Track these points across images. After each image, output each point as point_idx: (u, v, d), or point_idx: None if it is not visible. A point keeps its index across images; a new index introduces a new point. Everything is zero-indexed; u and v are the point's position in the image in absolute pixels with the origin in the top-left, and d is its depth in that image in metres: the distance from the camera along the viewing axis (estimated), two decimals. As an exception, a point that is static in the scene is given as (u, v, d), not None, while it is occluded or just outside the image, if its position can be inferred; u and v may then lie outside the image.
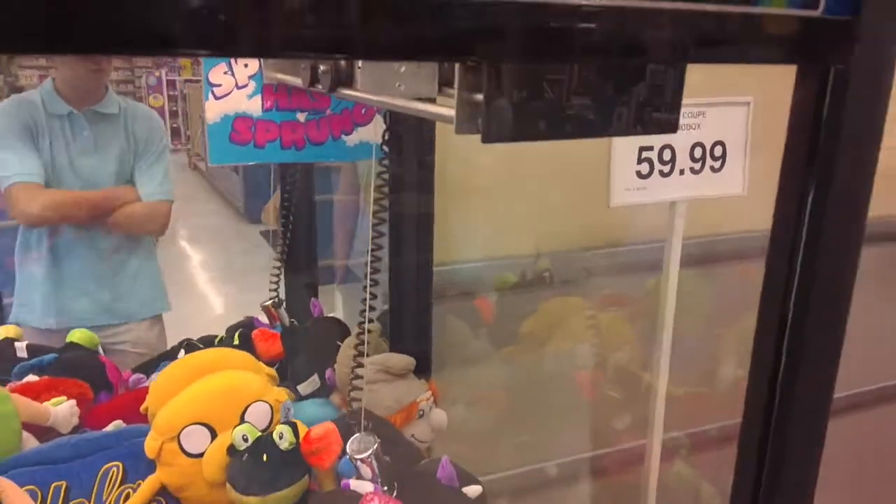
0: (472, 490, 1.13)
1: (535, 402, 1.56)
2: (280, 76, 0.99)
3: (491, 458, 1.47)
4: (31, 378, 1.38)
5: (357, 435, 1.09)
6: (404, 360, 1.28)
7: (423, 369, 1.33)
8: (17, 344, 1.64)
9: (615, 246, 1.97)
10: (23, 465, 1.11)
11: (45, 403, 1.29)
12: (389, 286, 1.32)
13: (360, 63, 0.78)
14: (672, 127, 0.61)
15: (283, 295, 1.70)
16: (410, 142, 1.27)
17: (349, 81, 0.81)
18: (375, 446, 1.06)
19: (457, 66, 0.54)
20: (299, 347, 1.49)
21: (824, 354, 0.59)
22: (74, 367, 1.43)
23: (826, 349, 0.59)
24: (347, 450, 1.07)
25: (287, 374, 1.48)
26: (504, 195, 1.76)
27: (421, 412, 1.27)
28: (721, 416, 2.01)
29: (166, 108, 11.35)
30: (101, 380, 1.45)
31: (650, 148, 1.63)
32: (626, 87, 0.57)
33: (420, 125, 1.27)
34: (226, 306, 5.50)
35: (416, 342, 1.33)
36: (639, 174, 1.63)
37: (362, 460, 1.06)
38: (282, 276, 1.72)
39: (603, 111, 0.57)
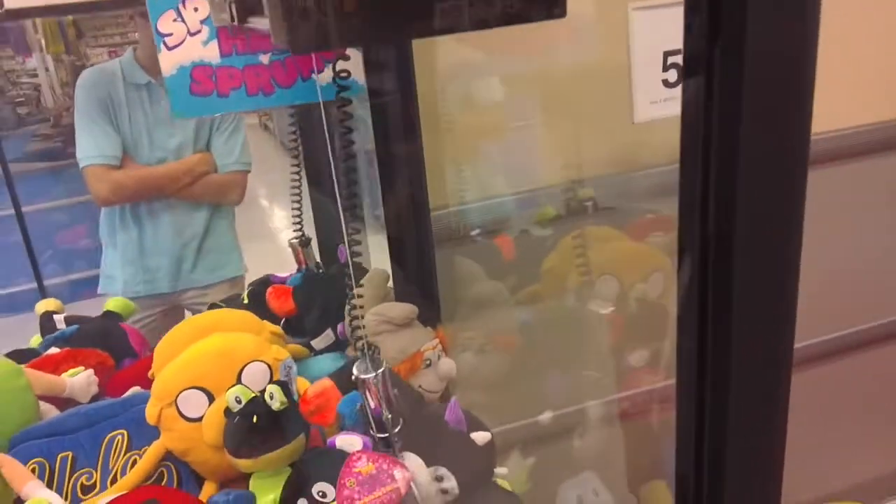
0: (481, 437, 1.07)
1: (554, 344, 1.47)
2: (220, 17, 0.91)
3: (505, 406, 1.40)
4: (53, 350, 1.41)
5: (361, 358, 1.03)
6: (405, 309, 1.21)
7: (430, 317, 1.26)
8: (55, 316, 1.70)
9: (657, 166, 1.80)
10: (35, 437, 1.13)
11: (63, 375, 1.31)
12: (387, 232, 1.24)
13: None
14: (560, 11, 0.49)
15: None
16: (391, 75, 1.17)
17: (259, 9, 0.73)
18: (384, 367, 1.00)
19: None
20: (313, 300, 1.45)
21: (767, 300, 0.47)
22: (95, 337, 1.45)
23: (772, 290, 0.47)
24: (354, 371, 1.01)
25: (304, 328, 1.45)
26: (523, 127, 1.63)
27: (427, 361, 1.20)
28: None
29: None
30: (124, 347, 1.47)
31: (677, 52, 1.46)
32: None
33: (400, 56, 1.17)
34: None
35: (420, 288, 1.26)
36: (665, 83, 1.46)
37: (367, 386, 1.00)
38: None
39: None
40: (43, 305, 1.73)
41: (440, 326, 1.25)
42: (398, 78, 1.16)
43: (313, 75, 1.11)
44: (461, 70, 1.34)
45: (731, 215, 0.49)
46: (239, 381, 1.12)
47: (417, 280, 1.26)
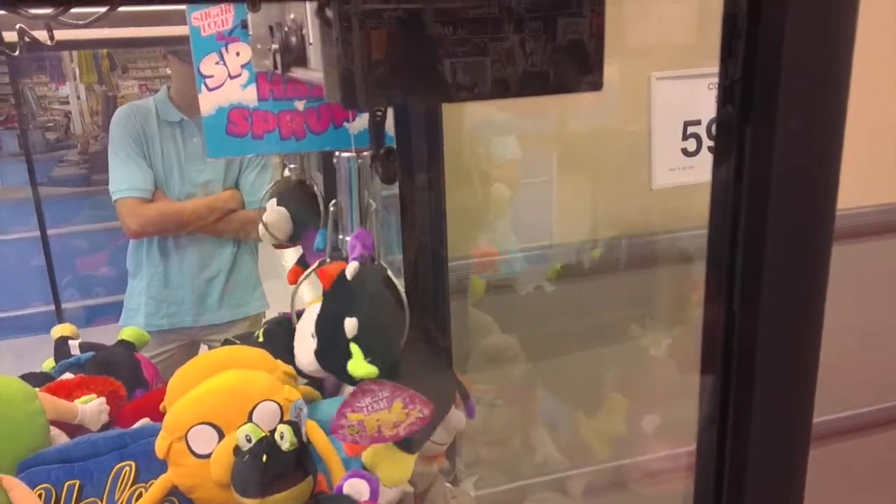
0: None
1: (566, 401, 1.46)
2: (261, 62, 0.95)
3: (513, 462, 1.39)
4: (68, 376, 1.42)
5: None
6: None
7: (442, 367, 1.27)
8: (70, 342, 1.72)
9: (670, 232, 1.82)
10: (43, 463, 1.14)
11: (75, 401, 1.32)
12: (404, 279, 1.26)
13: (311, 39, 0.73)
14: (596, 84, 0.52)
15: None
16: (420, 128, 1.21)
17: (302, 60, 0.76)
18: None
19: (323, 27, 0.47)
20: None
21: (790, 374, 0.48)
22: (109, 365, 1.46)
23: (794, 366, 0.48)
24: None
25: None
26: (541, 184, 1.66)
27: (438, 412, 1.21)
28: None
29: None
30: (136, 378, 1.48)
31: (697, 122, 1.49)
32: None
33: (430, 111, 1.21)
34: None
35: (433, 338, 1.27)
36: (685, 151, 1.49)
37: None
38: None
39: (503, 69, 0.49)
40: (59, 330, 1.76)
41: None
42: (426, 131, 1.20)
43: (345, 123, 1.15)
44: (485, 125, 1.38)
45: (757, 286, 0.51)
46: (250, 419, 1.13)
47: (431, 329, 1.27)
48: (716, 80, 1.48)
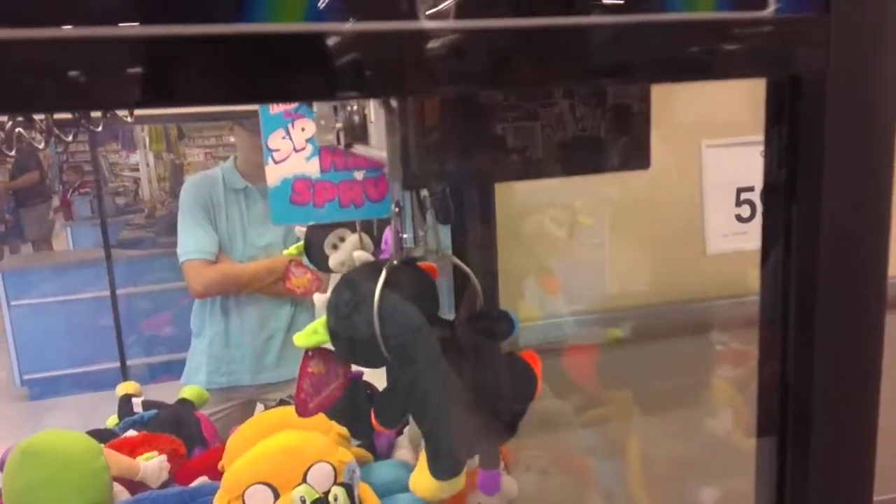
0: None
1: (620, 471, 1.43)
2: (324, 138, 1.01)
3: None
4: (131, 433, 1.47)
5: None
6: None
7: (495, 431, 1.27)
8: (133, 399, 1.78)
9: (727, 298, 1.80)
10: (106, 519, 1.17)
11: (138, 458, 1.36)
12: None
13: (372, 117, 0.77)
14: (644, 163, 0.54)
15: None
16: (473, 196, 1.25)
17: (364, 137, 0.81)
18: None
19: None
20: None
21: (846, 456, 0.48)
22: (171, 423, 1.51)
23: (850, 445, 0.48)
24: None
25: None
26: (595, 250, 1.67)
27: (489, 478, 1.20)
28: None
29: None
30: (196, 436, 1.52)
31: (750, 189, 1.50)
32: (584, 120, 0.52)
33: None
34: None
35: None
36: (739, 217, 1.49)
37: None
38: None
39: (555, 148, 0.52)
40: (123, 388, 1.83)
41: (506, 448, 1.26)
42: (480, 200, 1.24)
43: (402, 193, 1.20)
44: (539, 189, 1.41)
45: (809, 356, 0.51)
46: (304, 480, 1.15)
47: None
48: (769, 146, 1.48)
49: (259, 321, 2.27)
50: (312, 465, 1.16)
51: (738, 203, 1.48)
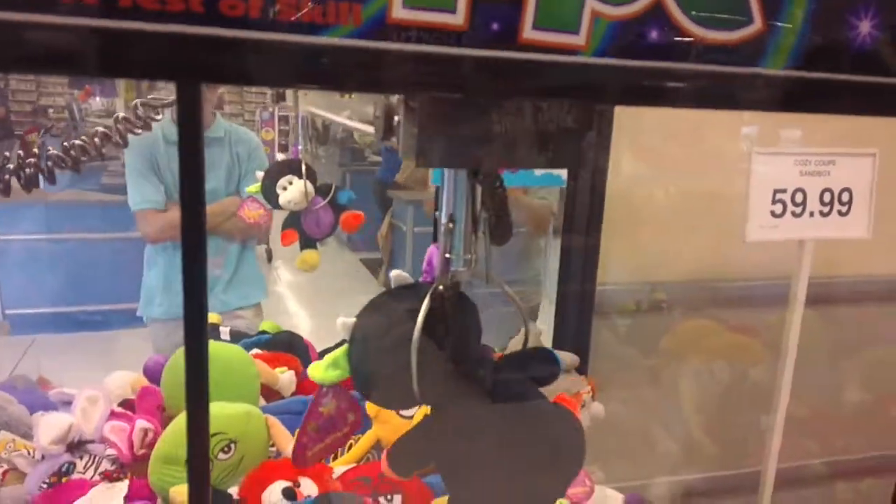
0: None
1: (674, 411, 1.74)
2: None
3: (630, 462, 1.66)
4: (256, 351, 1.67)
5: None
6: (571, 357, 1.50)
7: (580, 371, 1.56)
8: (221, 328, 1.97)
9: (733, 280, 2.14)
10: (277, 412, 1.39)
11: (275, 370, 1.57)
12: (557, 298, 1.55)
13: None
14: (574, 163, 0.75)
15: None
16: (587, 174, 1.52)
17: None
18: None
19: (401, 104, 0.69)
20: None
21: None
22: (286, 345, 1.72)
23: None
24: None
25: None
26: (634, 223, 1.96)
27: (583, 403, 1.48)
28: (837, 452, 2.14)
29: (276, 140, 12.06)
30: (306, 357, 1.74)
31: (784, 190, 1.82)
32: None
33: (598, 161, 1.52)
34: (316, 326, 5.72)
35: (577, 347, 1.55)
36: (773, 213, 1.82)
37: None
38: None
39: (523, 146, 0.68)
40: (211, 318, 2.01)
41: (590, 377, 1.54)
42: (592, 176, 1.51)
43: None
44: (631, 176, 1.69)
45: None
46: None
47: (576, 339, 1.56)
48: (802, 157, 1.81)
49: (209, 257, 2.50)
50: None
51: (774, 201, 1.80)
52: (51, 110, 7.47)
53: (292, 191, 1.61)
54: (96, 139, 1.63)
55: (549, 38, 0.41)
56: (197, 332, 0.47)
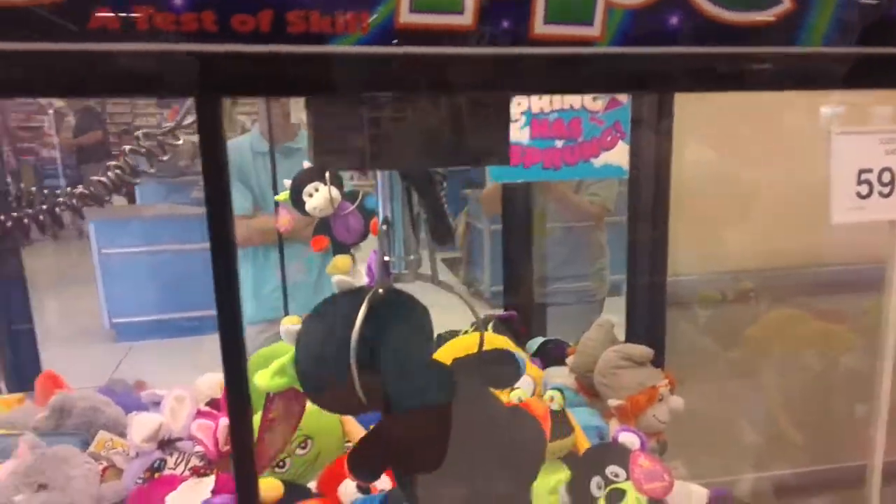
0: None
1: (761, 404, 1.69)
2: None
3: (716, 457, 1.62)
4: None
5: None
6: (646, 350, 1.48)
7: (657, 364, 1.52)
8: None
9: (821, 266, 2.04)
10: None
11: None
12: (627, 290, 1.53)
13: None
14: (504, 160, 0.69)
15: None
16: (650, 163, 1.49)
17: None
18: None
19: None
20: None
21: None
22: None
23: None
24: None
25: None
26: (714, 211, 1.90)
27: (661, 396, 1.45)
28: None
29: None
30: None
31: (869, 170, 1.72)
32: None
33: (660, 149, 1.48)
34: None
35: (649, 341, 1.52)
36: (858, 194, 1.72)
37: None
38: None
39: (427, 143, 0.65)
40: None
41: (667, 370, 1.51)
42: (656, 166, 1.47)
43: (592, 159, 1.45)
44: (700, 161, 1.64)
45: None
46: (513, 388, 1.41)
47: (649, 332, 1.53)
48: (887, 136, 1.71)
49: (290, 262, 2.58)
50: (518, 377, 1.43)
51: (859, 182, 1.71)
52: (142, 131, 7.91)
53: (318, 197, 1.63)
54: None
55: (562, 31, 0.42)
56: (232, 334, 0.50)
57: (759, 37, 0.47)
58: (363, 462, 0.82)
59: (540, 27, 0.41)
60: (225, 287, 0.49)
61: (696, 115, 1.54)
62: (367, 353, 0.74)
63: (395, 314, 0.78)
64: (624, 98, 1.42)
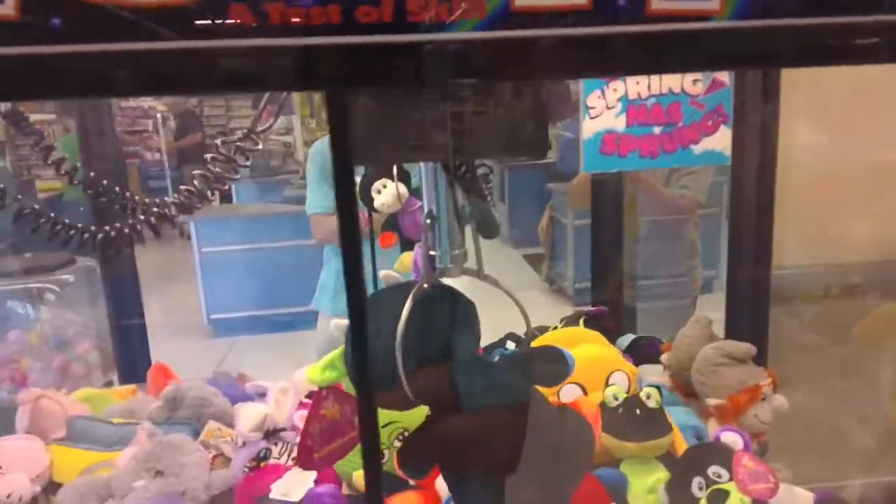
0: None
1: (871, 404, 1.59)
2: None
3: (821, 460, 1.53)
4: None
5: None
6: (747, 347, 1.42)
7: (759, 362, 1.46)
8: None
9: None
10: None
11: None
12: (727, 284, 1.47)
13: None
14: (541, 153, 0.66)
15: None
16: (755, 149, 1.43)
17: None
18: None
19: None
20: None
21: None
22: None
23: None
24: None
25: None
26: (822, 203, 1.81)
27: (763, 395, 1.39)
28: None
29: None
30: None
31: None
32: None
33: (765, 132, 1.42)
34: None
35: (751, 338, 1.46)
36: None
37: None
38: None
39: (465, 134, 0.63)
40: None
41: (771, 368, 1.45)
42: (761, 151, 1.41)
43: (691, 146, 1.40)
44: (808, 147, 1.56)
45: None
46: (607, 383, 1.39)
47: (751, 329, 1.46)
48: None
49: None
50: (613, 372, 1.41)
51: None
52: (239, 132, 8.25)
53: (386, 194, 1.65)
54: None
55: (679, 6, 0.41)
56: (358, 326, 0.51)
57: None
58: (412, 458, 0.82)
59: (657, 2, 0.40)
60: (353, 283, 0.50)
61: (806, 95, 1.46)
62: (413, 348, 0.73)
63: (440, 309, 0.77)
64: (726, 80, 1.35)
